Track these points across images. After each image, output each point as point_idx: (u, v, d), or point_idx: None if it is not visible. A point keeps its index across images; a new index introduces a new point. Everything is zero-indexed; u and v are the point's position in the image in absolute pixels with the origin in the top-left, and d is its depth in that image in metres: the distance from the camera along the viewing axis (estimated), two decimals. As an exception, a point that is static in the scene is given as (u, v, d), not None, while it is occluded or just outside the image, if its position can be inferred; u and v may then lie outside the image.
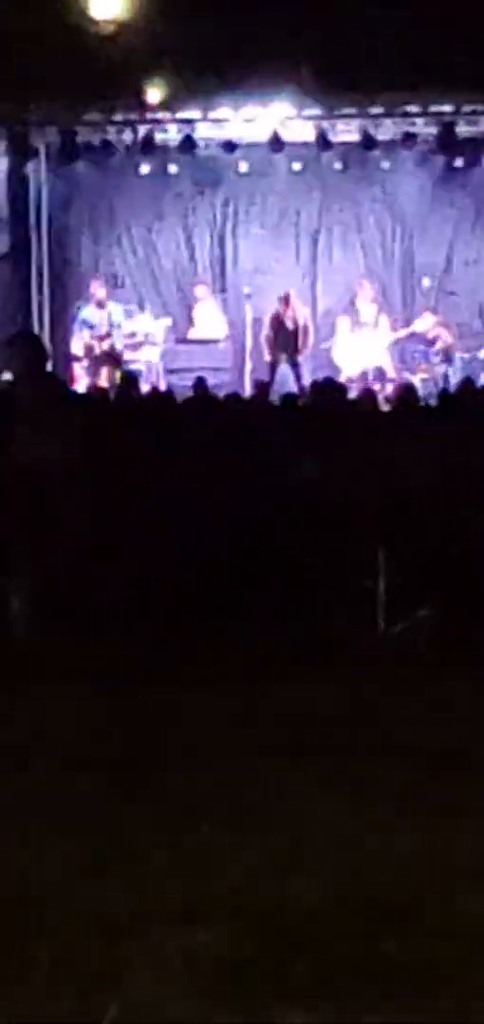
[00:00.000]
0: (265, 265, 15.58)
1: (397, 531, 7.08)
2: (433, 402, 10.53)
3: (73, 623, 6.79)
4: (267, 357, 14.70)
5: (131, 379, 12.41)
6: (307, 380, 13.30)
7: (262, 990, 3.48)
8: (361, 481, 7.27)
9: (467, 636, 6.70)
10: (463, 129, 14.79)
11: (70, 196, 15.68)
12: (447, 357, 14.44)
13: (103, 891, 4.05)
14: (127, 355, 14.68)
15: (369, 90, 14.19)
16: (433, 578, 6.98)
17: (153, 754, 5.29)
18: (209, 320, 15.17)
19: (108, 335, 14.53)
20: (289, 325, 14.65)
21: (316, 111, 14.69)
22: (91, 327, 14.57)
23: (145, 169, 15.32)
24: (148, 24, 12.48)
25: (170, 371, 14.39)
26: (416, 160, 15.16)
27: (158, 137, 15.08)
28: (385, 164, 15.19)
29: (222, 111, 14.66)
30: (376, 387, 13.22)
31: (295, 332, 14.63)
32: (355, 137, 14.91)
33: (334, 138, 14.91)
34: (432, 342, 14.57)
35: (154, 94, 14.16)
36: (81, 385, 14.06)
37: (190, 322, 15.34)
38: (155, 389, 12.06)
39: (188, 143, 14.92)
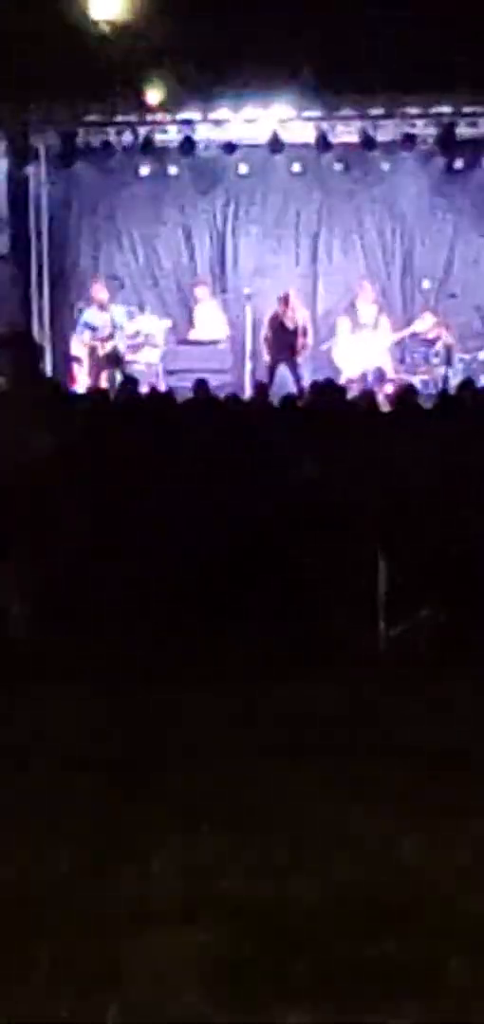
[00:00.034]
0: (265, 266, 15.57)
1: (397, 531, 7.08)
2: (433, 403, 10.52)
3: (73, 623, 6.79)
4: (266, 358, 14.70)
5: (131, 382, 12.42)
6: (307, 381, 13.28)
7: (262, 990, 3.48)
8: (361, 481, 7.27)
9: (467, 636, 6.71)
10: (463, 130, 14.77)
11: (70, 197, 15.68)
12: (447, 358, 14.43)
13: (103, 891, 4.05)
14: (128, 356, 14.69)
15: (369, 91, 14.19)
16: (433, 578, 6.97)
17: (153, 754, 5.29)
18: (210, 321, 15.17)
19: (111, 337, 14.54)
20: (288, 326, 14.64)
21: (316, 112, 14.68)
22: (94, 329, 14.58)
23: (145, 170, 15.32)
24: (148, 25, 12.49)
25: (170, 372, 14.39)
26: (416, 161, 15.16)
27: (158, 138, 15.07)
28: (385, 165, 15.18)
29: (222, 112, 14.66)
30: (376, 388, 13.21)
31: (294, 333, 14.62)
32: (355, 138, 14.90)
33: (334, 139, 14.90)
34: (432, 343, 14.56)
35: (154, 95, 14.16)
36: (81, 386, 14.06)
37: (190, 323, 15.34)
38: (155, 390, 12.04)
39: (188, 144, 14.92)
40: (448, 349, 14.45)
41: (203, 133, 14.92)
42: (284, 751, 5.26)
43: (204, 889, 4.05)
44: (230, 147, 14.92)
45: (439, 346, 14.48)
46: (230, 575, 7.10)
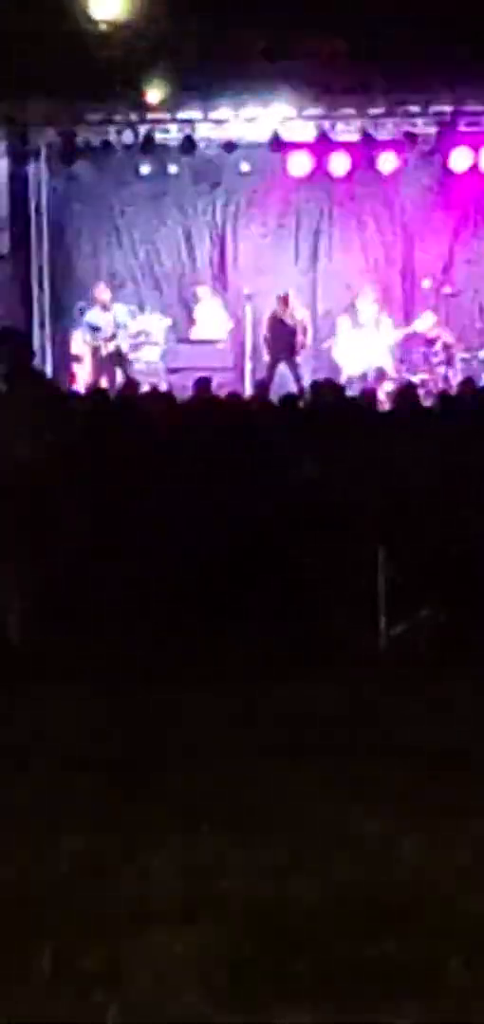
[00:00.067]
0: (265, 265, 15.57)
1: (397, 531, 7.07)
2: (433, 402, 10.52)
3: (73, 623, 6.79)
4: (266, 358, 14.69)
5: (132, 382, 12.44)
6: (307, 380, 13.29)
7: (262, 990, 3.48)
8: (361, 481, 7.27)
9: (467, 636, 6.71)
10: (464, 129, 14.77)
11: (70, 196, 15.67)
12: (447, 357, 14.43)
13: (103, 891, 4.05)
14: (129, 355, 14.70)
15: (369, 90, 14.18)
16: (433, 578, 6.97)
17: (153, 754, 5.29)
18: (210, 320, 15.17)
19: (114, 337, 14.55)
20: (288, 325, 14.64)
21: (316, 111, 14.68)
22: (97, 330, 14.58)
23: (145, 169, 15.32)
24: (148, 24, 12.48)
25: (171, 371, 14.39)
26: (416, 160, 15.14)
27: (158, 137, 15.07)
28: (386, 164, 15.17)
29: (222, 111, 14.66)
30: (376, 387, 13.21)
31: (294, 332, 14.62)
32: (356, 137, 14.91)
33: (335, 138, 14.90)
34: (432, 342, 14.56)
35: (154, 94, 14.16)
36: (81, 385, 14.07)
37: (191, 322, 15.34)
38: (155, 388, 12.05)
39: (188, 143, 14.92)
40: (448, 348, 14.45)
41: (203, 132, 14.92)
42: (284, 751, 5.26)
43: (204, 889, 4.05)
44: (230, 146, 14.92)
45: (439, 345, 14.48)
46: (230, 575, 7.10)
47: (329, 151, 14.92)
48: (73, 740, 5.41)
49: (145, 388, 12.38)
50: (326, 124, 14.80)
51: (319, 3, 12.14)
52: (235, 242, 15.77)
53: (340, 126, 14.87)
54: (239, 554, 7.17)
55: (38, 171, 15.45)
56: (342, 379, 13.63)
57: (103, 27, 12.58)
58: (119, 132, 15.06)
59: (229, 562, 7.16)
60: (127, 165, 15.33)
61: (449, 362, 14.36)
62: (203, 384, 10.29)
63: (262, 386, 13.14)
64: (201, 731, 5.56)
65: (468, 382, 11.38)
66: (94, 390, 12.40)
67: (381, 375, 14.36)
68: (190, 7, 12.17)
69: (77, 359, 14.95)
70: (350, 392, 12.04)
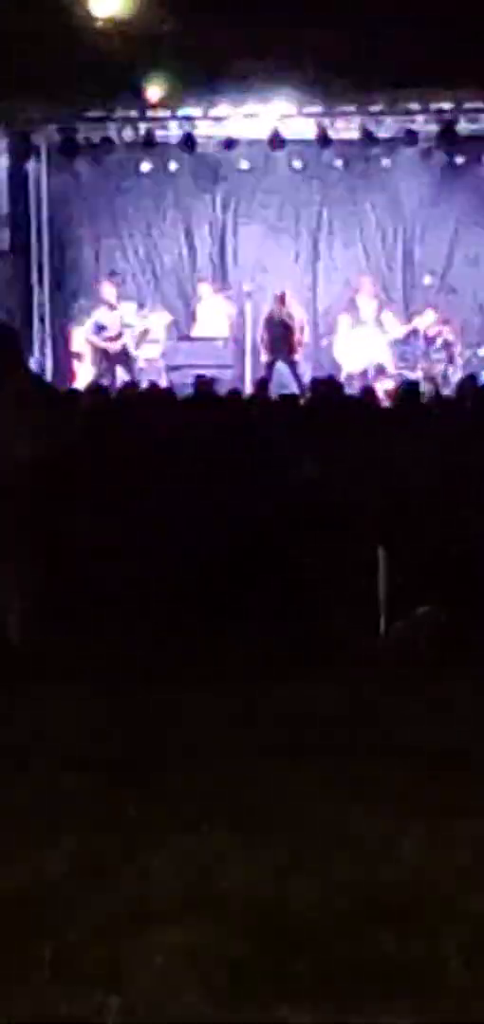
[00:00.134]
0: (266, 263, 15.57)
1: (397, 531, 7.08)
2: (433, 400, 10.51)
3: (73, 623, 6.79)
4: (264, 357, 14.67)
5: (133, 383, 12.45)
6: (307, 379, 13.28)
7: (262, 990, 3.48)
8: (361, 481, 7.27)
9: (467, 636, 6.71)
10: (464, 126, 14.76)
11: (70, 194, 15.67)
12: (448, 355, 14.43)
13: (103, 891, 4.06)
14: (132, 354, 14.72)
15: (370, 87, 14.17)
16: (433, 578, 6.97)
17: (153, 754, 5.29)
18: (212, 318, 15.16)
19: (120, 336, 14.55)
20: (285, 324, 14.61)
21: (316, 108, 14.67)
22: (103, 329, 14.57)
23: (146, 167, 15.31)
24: (148, 22, 12.47)
25: (171, 368, 14.39)
26: (417, 158, 15.14)
27: (159, 134, 15.07)
28: (386, 161, 15.18)
29: (222, 108, 14.65)
30: (376, 384, 13.21)
31: (291, 331, 14.60)
32: (356, 134, 14.90)
33: (335, 135, 14.90)
34: (433, 339, 14.56)
35: (154, 91, 14.15)
36: (81, 382, 14.06)
37: (192, 320, 15.34)
38: (155, 386, 12.04)
39: (189, 140, 14.91)
40: (449, 345, 14.45)
41: (204, 129, 14.92)
42: (284, 751, 5.26)
43: (204, 889, 4.05)
44: (231, 143, 14.91)
45: (440, 342, 14.47)
46: (230, 575, 7.10)
47: (329, 148, 14.92)
48: (73, 740, 5.41)
49: (145, 386, 12.38)
50: (326, 121, 14.79)
51: (319, 2, 12.14)
52: (235, 239, 15.76)
53: (340, 123, 14.86)
54: (239, 554, 7.18)
55: (38, 168, 15.45)
56: (342, 377, 13.63)
57: (103, 25, 12.58)
58: (119, 129, 15.06)
59: (229, 562, 7.16)
60: (127, 162, 15.32)
61: (449, 359, 14.36)
62: (204, 383, 10.29)
63: (263, 383, 13.13)
64: (201, 731, 5.56)
65: (468, 380, 11.37)
66: (94, 388, 12.40)
67: (381, 372, 14.36)
68: (190, 5, 12.17)
69: (78, 356, 14.95)
70: (350, 390, 12.05)
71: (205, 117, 14.81)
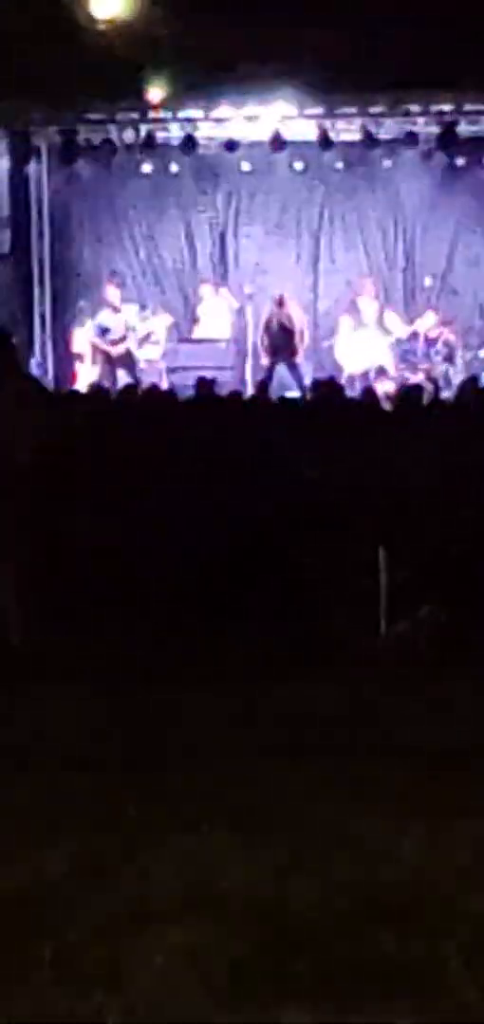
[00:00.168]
0: (267, 264, 15.57)
1: (397, 531, 7.08)
2: (433, 401, 10.51)
3: (73, 623, 6.79)
4: (264, 361, 14.66)
5: (134, 384, 12.45)
6: (308, 381, 13.27)
7: (262, 990, 3.48)
8: (361, 481, 7.27)
9: (467, 636, 6.71)
10: (464, 128, 14.78)
11: (71, 195, 15.68)
12: (448, 356, 14.43)
13: (103, 891, 4.05)
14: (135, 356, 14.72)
15: (370, 89, 14.18)
16: (433, 578, 6.98)
17: (153, 754, 5.29)
18: (213, 319, 15.17)
19: (123, 339, 14.55)
20: (284, 326, 14.59)
21: (317, 110, 14.68)
22: (107, 331, 14.57)
23: (147, 168, 15.33)
24: (149, 23, 12.48)
25: (171, 370, 14.40)
26: (418, 159, 15.15)
27: (160, 136, 15.08)
28: (387, 163, 15.19)
29: (223, 110, 14.66)
30: (377, 385, 13.21)
31: (291, 333, 14.58)
32: (357, 136, 14.91)
33: (336, 137, 14.91)
34: (433, 341, 14.56)
35: (155, 93, 14.16)
36: (82, 384, 14.07)
37: (193, 321, 15.35)
38: (155, 387, 12.05)
39: (190, 142, 14.92)
40: (449, 347, 14.45)
41: (205, 131, 14.93)
42: (284, 751, 5.26)
43: (204, 889, 4.05)
44: (232, 145, 14.92)
45: (440, 344, 14.48)
46: (230, 575, 7.10)
47: (330, 150, 14.92)
48: (73, 740, 5.41)
49: (145, 387, 12.37)
50: (327, 123, 14.80)
51: (320, 2, 12.15)
52: (237, 240, 15.77)
53: (341, 125, 14.87)
54: (239, 554, 7.18)
55: (39, 170, 15.46)
56: (343, 378, 13.63)
57: (104, 26, 12.59)
58: (120, 131, 15.07)
59: (229, 562, 7.16)
60: (128, 164, 15.33)
61: (450, 361, 14.36)
62: (205, 384, 10.28)
63: (263, 385, 13.12)
64: (201, 731, 5.56)
65: (469, 381, 11.36)
66: (95, 390, 12.40)
67: (382, 374, 14.36)
68: (191, 5, 12.17)
69: (79, 358, 14.96)
70: (352, 391, 12.05)
71: (206, 119, 14.82)
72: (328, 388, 9.58)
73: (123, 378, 14.14)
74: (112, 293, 14.80)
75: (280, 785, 4.90)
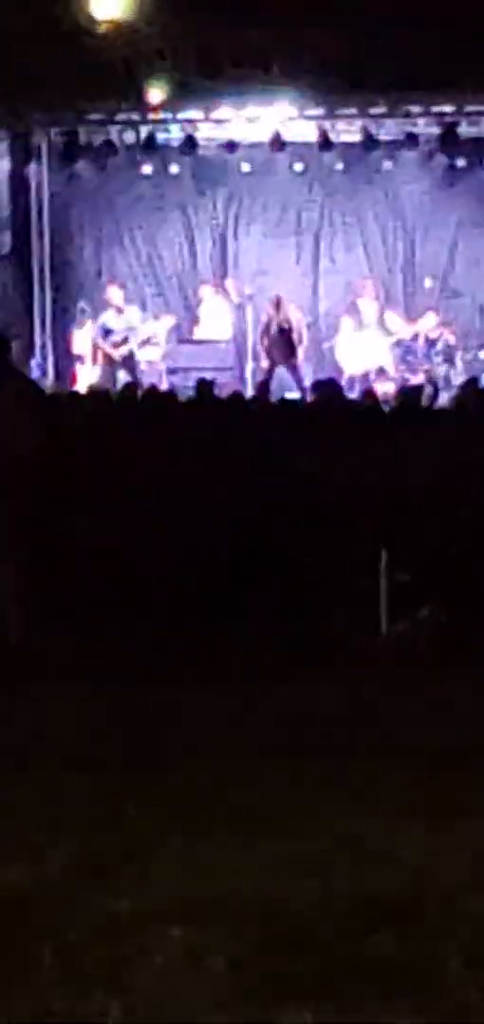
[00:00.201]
0: (267, 265, 15.58)
1: (397, 531, 7.08)
2: (433, 402, 10.52)
3: (73, 623, 6.79)
4: (264, 363, 14.65)
5: (134, 384, 12.46)
6: (309, 382, 13.27)
7: (262, 990, 3.48)
8: (361, 481, 7.27)
9: (467, 636, 6.71)
10: (465, 129, 14.79)
11: (71, 196, 15.69)
12: (449, 357, 14.43)
13: (103, 891, 4.05)
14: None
15: (371, 90, 14.19)
16: (433, 578, 6.98)
17: (153, 754, 5.29)
18: (213, 320, 15.16)
19: (125, 340, 14.54)
20: (282, 330, 14.57)
21: (318, 111, 14.69)
22: (110, 333, 14.57)
23: (147, 169, 15.33)
24: (149, 24, 12.49)
25: (172, 371, 14.40)
26: (418, 160, 15.16)
27: (160, 137, 15.09)
28: (387, 164, 15.20)
29: (223, 111, 14.67)
30: (377, 386, 13.22)
31: (289, 334, 14.56)
32: (357, 137, 14.92)
33: (336, 138, 14.91)
34: (434, 342, 14.56)
35: (155, 94, 14.17)
36: (82, 385, 14.08)
37: (194, 322, 15.35)
38: (155, 388, 12.05)
39: (190, 143, 14.93)
40: (450, 348, 14.46)
41: (205, 132, 14.94)
42: (284, 751, 5.26)
43: (204, 889, 4.05)
44: (232, 146, 14.93)
45: (441, 345, 14.48)
46: (230, 575, 7.11)
47: (330, 151, 14.93)
48: (73, 740, 5.41)
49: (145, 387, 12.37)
50: (327, 124, 14.80)
51: (320, 3, 12.15)
52: (236, 242, 15.77)
53: (342, 126, 14.88)
54: (239, 554, 7.18)
55: (39, 171, 15.47)
56: (344, 379, 13.63)
57: (104, 27, 12.59)
58: (121, 132, 15.08)
59: (229, 562, 7.17)
60: (128, 165, 15.35)
61: (450, 362, 14.37)
62: (205, 385, 10.29)
63: (263, 386, 13.12)
64: (201, 731, 5.56)
65: (470, 383, 11.36)
66: (95, 390, 12.41)
67: (382, 375, 14.36)
68: (191, 7, 12.18)
69: (79, 359, 14.96)
70: (352, 392, 12.05)
71: (206, 120, 14.83)
72: (328, 389, 9.59)
73: (123, 380, 14.15)
74: (115, 294, 14.79)
75: (280, 785, 4.90)
